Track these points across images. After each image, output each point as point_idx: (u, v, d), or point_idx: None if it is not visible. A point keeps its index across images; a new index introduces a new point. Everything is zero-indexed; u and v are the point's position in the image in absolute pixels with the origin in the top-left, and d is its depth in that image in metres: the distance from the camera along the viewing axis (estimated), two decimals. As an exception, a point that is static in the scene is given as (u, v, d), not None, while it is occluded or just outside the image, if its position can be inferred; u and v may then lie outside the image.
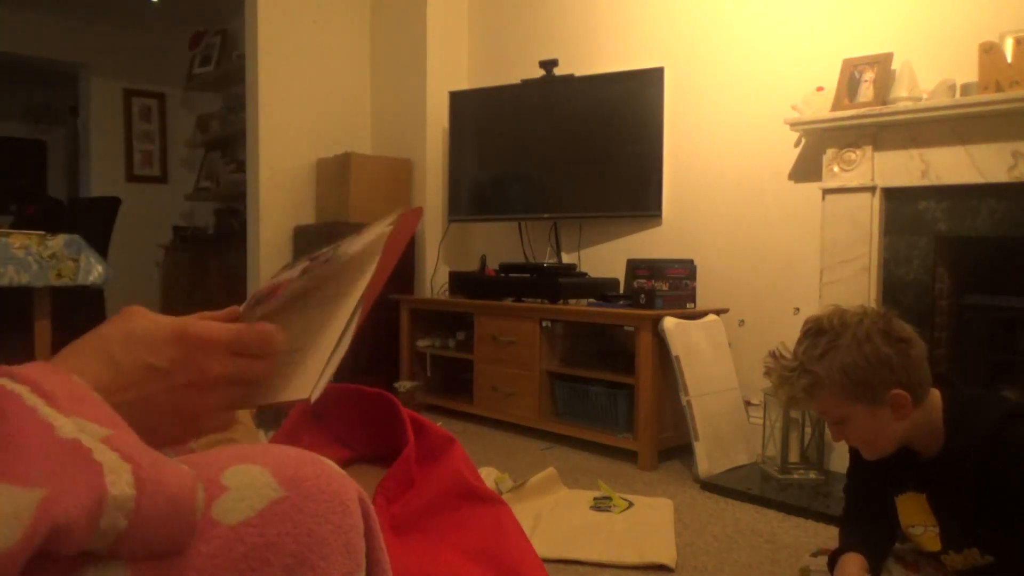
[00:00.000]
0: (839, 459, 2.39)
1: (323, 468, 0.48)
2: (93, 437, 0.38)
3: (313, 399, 0.51)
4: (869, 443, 1.27)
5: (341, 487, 0.47)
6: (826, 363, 1.20)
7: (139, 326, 0.50)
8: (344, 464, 1.80)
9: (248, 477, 0.45)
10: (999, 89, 2.03)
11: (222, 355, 0.51)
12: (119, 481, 0.37)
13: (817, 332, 1.24)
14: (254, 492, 0.44)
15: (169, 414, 0.49)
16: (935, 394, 1.25)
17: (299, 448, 0.51)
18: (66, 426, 0.38)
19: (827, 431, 2.33)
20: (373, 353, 3.58)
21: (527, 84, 3.31)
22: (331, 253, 0.60)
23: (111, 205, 4.22)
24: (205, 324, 0.51)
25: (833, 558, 1.35)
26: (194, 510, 0.41)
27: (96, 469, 0.36)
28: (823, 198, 2.46)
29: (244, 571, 0.42)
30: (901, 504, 1.33)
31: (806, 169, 2.59)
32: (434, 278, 3.72)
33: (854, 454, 1.43)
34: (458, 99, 3.54)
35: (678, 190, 2.97)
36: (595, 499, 2.16)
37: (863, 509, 1.41)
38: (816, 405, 1.26)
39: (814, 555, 1.51)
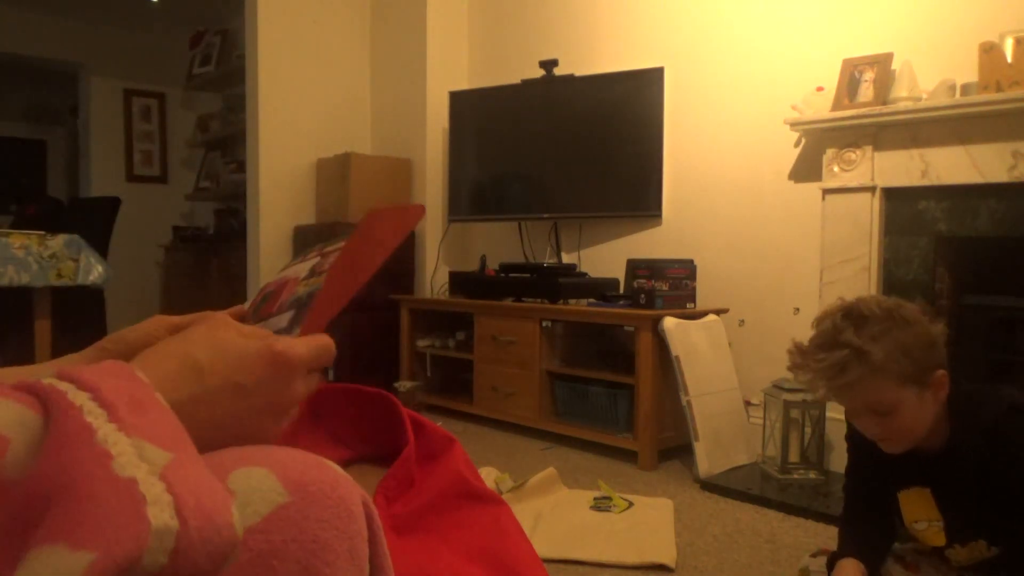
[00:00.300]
0: (839, 459, 2.39)
1: (328, 472, 0.47)
2: (154, 467, 0.35)
3: None
4: (911, 432, 1.21)
5: (346, 492, 0.47)
6: (882, 345, 1.15)
7: (229, 339, 0.48)
8: (344, 464, 1.80)
9: (254, 481, 0.44)
10: (999, 89, 2.03)
11: (304, 375, 0.50)
12: (161, 515, 0.35)
13: (860, 317, 1.18)
14: (260, 497, 0.43)
15: (239, 437, 0.47)
16: None
17: (302, 450, 0.50)
18: (124, 454, 0.35)
19: (828, 430, 2.34)
20: (373, 353, 3.58)
21: (527, 84, 3.31)
22: (342, 245, 0.60)
23: (111, 205, 4.22)
24: (290, 342, 0.49)
25: (832, 561, 1.35)
26: (234, 536, 0.39)
27: (142, 511, 0.34)
28: (823, 198, 2.46)
29: None
30: (904, 500, 1.32)
31: (806, 169, 2.59)
32: (434, 278, 3.72)
33: (853, 452, 1.42)
34: (458, 99, 3.54)
35: (678, 190, 2.97)
36: (595, 499, 2.16)
37: (863, 508, 1.40)
38: (867, 395, 1.19)
39: (814, 555, 1.51)
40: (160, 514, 0.34)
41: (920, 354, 1.16)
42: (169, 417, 0.39)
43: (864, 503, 1.40)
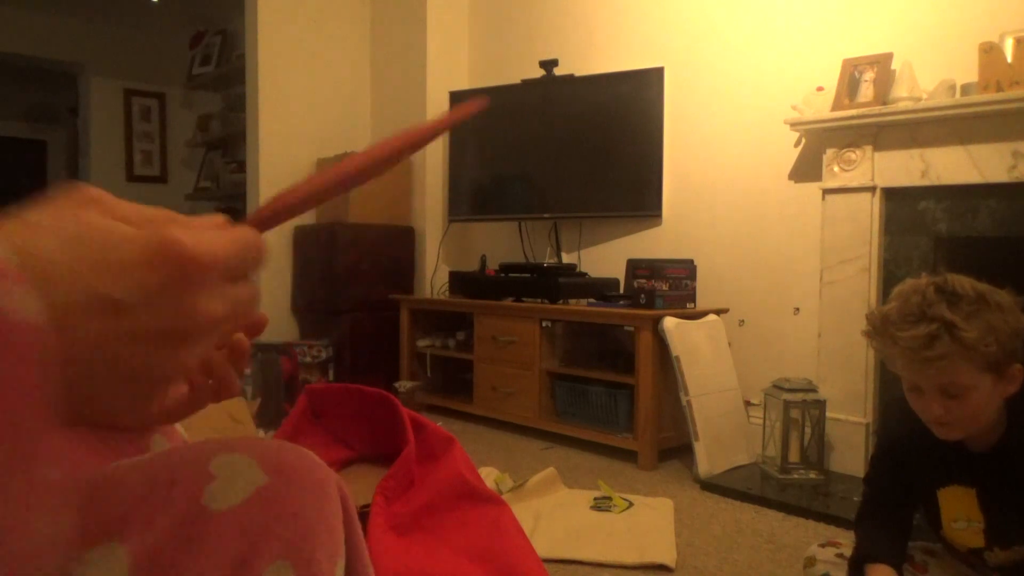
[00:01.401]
0: (839, 459, 2.39)
1: (304, 456, 0.49)
2: None
3: None
4: (972, 419, 1.18)
5: (322, 475, 0.48)
6: (975, 324, 1.12)
7: (95, 225, 0.32)
8: (344, 464, 1.81)
9: (235, 465, 0.45)
10: (999, 89, 2.03)
11: (219, 282, 0.35)
12: None
13: (953, 293, 1.15)
14: (241, 479, 0.44)
15: (118, 380, 0.34)
16: None
17: (279, 439, 0.52)
18: None
19: (828, 431, 2.33)
20: (373, 353, 3.58)
21: (527, 84, 3.31)
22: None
23: (111, 205, 4.21)
24: (195, 235, 0.33)
25: (856, 562, 1.30)
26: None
27: None
28: (823, 198, 2.46)
29: (235, 555, 0.43)
30: (944, 498, 1.28)
31: (806, 169, 2.59)
32: (434, 278, 3.72)
33: (887, 447, 1.36)
34: (458, 99, 3.54)
35: (678, 190, 2.97)
36: (595, 499, 2.16)
37: (887, 504, 1.35)
38: (948, 373, 1.15)
39: (822, 546, 1.48)
40: None
41: (1007, 341, 1.13)
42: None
43: (890, 501, 1.35)
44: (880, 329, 1.20)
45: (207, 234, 0.34)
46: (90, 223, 0.32)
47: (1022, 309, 1.17)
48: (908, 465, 1.31)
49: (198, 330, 0.34)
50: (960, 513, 1.27)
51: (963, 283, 1.16)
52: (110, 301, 0.31)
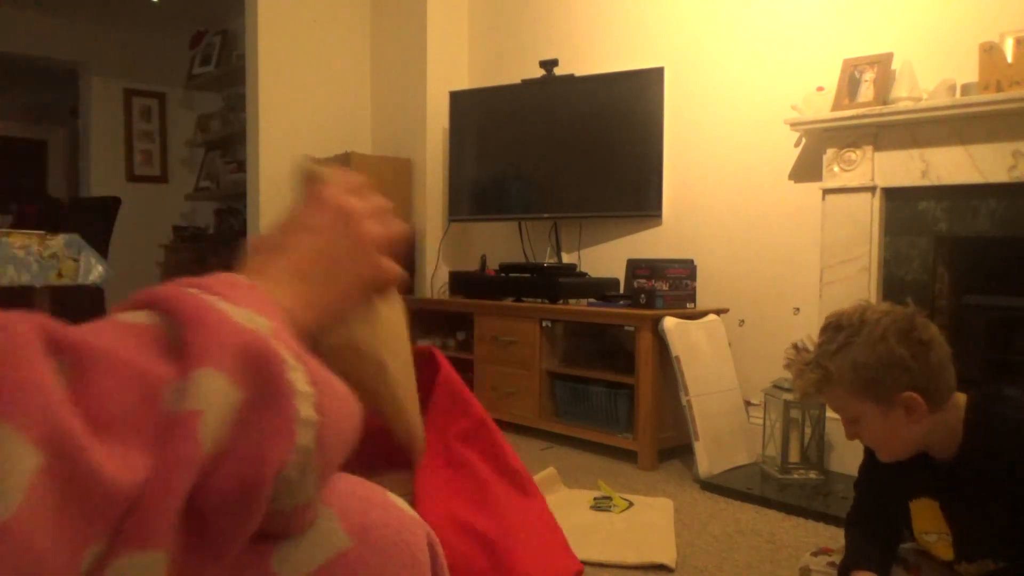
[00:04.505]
0: (839, 459, 2.39)
1: (393, 514, 0.44)
2: (266, 327, 0.38)
3: None
4: (882, 444, 1.24)
5: (411, 535, 0.44)
6: (839, 360, 1.18)
7: (278, 222, 0.54)
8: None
9: (315, 521, 0.40)
10: (999, 89, 2.03)
11: (368, 219, 0.55)
12: (305, 405, 0.36)
13: (836, 328, 1.22)
14: (320, 540, 0.40)
15: (349, 249, 0.53)
16: (959, 398, 1.21)
17: (368, 483, 0.46)
18: (237, 314, 0.38)
19: (828, 431, 2.33)
20: (373, 353, 3.58)
21: (527, 84, 3.31)
22: None
23: (111, 205, 4.22)
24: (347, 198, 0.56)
25: (844, 569, 1.31)
26: (355, 411, 0.41)
27: (284, 370, 0.36)
28: (823, 198, 2.46)
29: None
30: (915, 510, 1.29)
31: (806, 169, 2.59)
32: (434, 278, 3.72)
33: (868, 453, 1.39)
34: (458, 99, 3.54)
35: (678, 190, 2.97)
36: (595, 499, 2.16)
37: (876, 512, 1.36)
38: (828, 401, 1.26)
39: (814, 554, 1.49)
40: (303, 405, 0.36)
41: (875, 374, 1.16)
42: (264, 297, 0.43)
43: (876, 507, 1.37)
44: (789, 360, 1.30)
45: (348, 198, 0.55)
46: (276, 223, 0.55)
47: (921, 340, 1.18)
48: (884, 475, 1.32)
49: (372, 240, 0.54)
50: (929, 525, 1.27)
51: (850, 314, 1.22)
52: (315, 227, 0.52)
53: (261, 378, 0.35)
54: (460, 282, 3.37)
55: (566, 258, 3.32)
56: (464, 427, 1.55)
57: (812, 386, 1.22)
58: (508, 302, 3.08)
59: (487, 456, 1.54)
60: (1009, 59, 2.03)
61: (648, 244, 3.06)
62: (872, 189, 2.33)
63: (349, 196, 0.55)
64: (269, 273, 0.48)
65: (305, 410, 0.36)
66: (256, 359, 0.35)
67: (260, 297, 0.41)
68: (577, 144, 3.15)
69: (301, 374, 0.37)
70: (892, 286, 2.34)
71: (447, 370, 1.56)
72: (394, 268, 0.56)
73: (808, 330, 2.56)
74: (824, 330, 1.25)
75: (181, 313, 0.36)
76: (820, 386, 1.22)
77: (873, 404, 1.18)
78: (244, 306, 0.38)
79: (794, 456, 2.34)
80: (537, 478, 2.21)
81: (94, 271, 2.45)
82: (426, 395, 1.58)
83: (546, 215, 3.26)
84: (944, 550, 1.27)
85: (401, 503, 0.45)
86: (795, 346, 1.29)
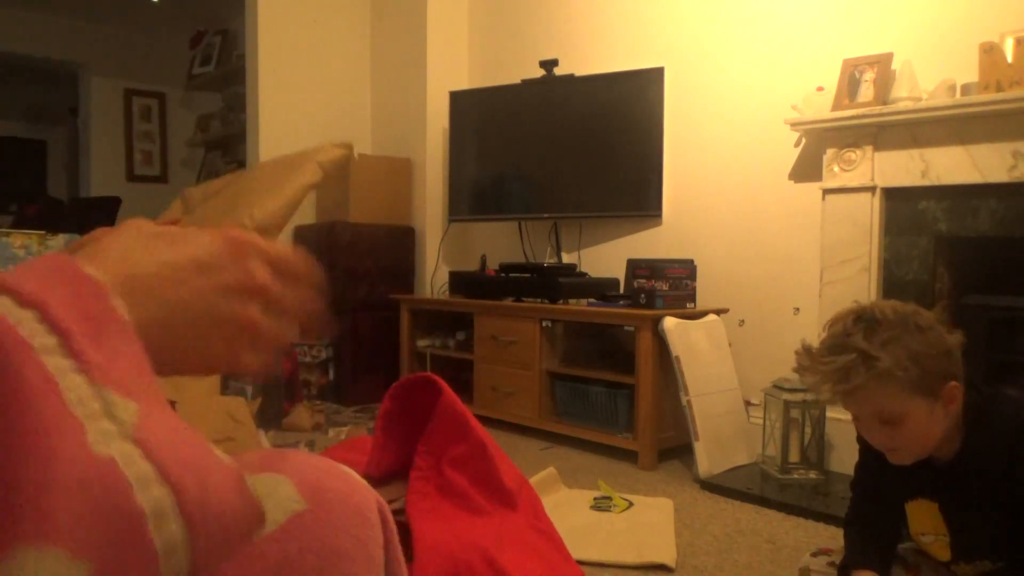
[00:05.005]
0: (839, 459, 2.39)
1: (344, 479, 0.47)
2: (125, 429, 0.30)
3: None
4: (919, 443, 1.17)
5: (362, 499, 0.47)
6: (891, 351, 1.11)
7: (172, 228, 0.44)
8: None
9: (271, 488, 0.43)
10: (999, 89, 2.03)
11: (266, 265, 0.46)
12: (165, 528, 0.30)
13: (871, 320, 1.14)
14: (277, 504, 0.43)
15: (213, 322, 0.43)
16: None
17: (319, 456, 0.50)
18: (93, 417, 0.29)
19: (828, 431, 2.33)
20: (373, 353, 3.59)
21: (527, 84, 3.31)
22: None
23: (111, 205, 4.22)
24: (244, 232, 0.47)
25: (843, 569, 1.30)
26: (253, 509, 0.36)
27: (141, 519, 0.29)
28: (823, 198, 2.46)
29: None
30: (911, 511, 1.28)
31: (806, 169, 2.59)
32: (434, 278, 3.72)
33: (864, 450, 1.37)
34: (458, 99, 3.54)
35: (678, 190, 2.97)
36: (595, 499, 2.16)
37: (873, 513, 1.35)
38: (873, 402, 1.14)
39: (814, 555, 1.49)
40: (163, 527, 0.30)
41: (931, 363, 1.11)
42: (132, 342, 0.34)
43: (874, 507, 1.35)
44: (806, 364, 1.20)
45: (254, 236, 0.47)
46: (168, 227, 0.44)
47: (950, 328, 1.16)
48: (881, 475, 1.31)
49: (256, 287, 0.45)
50: (926, 527, 1.26)
51: (884, 309, 1.16)
52: (202, 263, 0.43)
53: (116, 540, 0.28)
54: (460, 282, 3.37)
55: (566, 258, 3.32)
56: (461, 451, 1.55)
57: (869, 382, 1.11)
58: (508, 302, 3.08)
59: (476, 480, 1.55)
60: (1009, 59, 2.03)
61: (648, 244, 3.06)
62: (872, 189, 2.33)
63: (262, 265, 0.46)
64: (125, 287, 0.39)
65: (176, 561, 0.30)
66: (110, 514, 0.28)
67: (128, 350, 0.34)
68: (577, 144, 3.15)
69: (174, 517, 0.30)
70: (892, 286, 2.34)
71: (448, 395, 1.57)
72: (255, 367, 0.46)
73: (808, 330, 2.56)
74: (855, 325, 1.15)
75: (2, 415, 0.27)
76: (877, 381, 1.11)
77: (922, 398, 1.13)
78: (104, 381, 0.30)
79: (794, 456, 2.34)
80: (537, 478, 2.21)
81: (94, 271, 2.45)
82: (427, 419, 1.58)
83: (546, 215, 3.26)
84: (941, 551, 1.26)
85: (351, 471, 0.48)
86: (806, 349, 1.21)
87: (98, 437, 0.29)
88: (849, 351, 1.13)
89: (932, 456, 1.21)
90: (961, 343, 1.17)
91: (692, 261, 2.77)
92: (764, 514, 2.09)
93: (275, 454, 0.47)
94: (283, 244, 0.49)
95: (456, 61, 3.83)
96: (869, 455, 1.33)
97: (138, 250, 0.41)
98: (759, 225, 2.73)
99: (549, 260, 3.32)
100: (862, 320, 1.15)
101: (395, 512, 1.47)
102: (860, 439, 1.38)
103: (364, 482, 0.49)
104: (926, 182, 2.23)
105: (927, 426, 1.15)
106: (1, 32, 5.12)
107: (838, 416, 2.38)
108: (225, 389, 2.90)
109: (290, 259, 0.48)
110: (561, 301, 2.91)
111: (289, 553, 0.42)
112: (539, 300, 2.99)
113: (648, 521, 1.99)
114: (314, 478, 0.45)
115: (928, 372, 1.12)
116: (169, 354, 0.40)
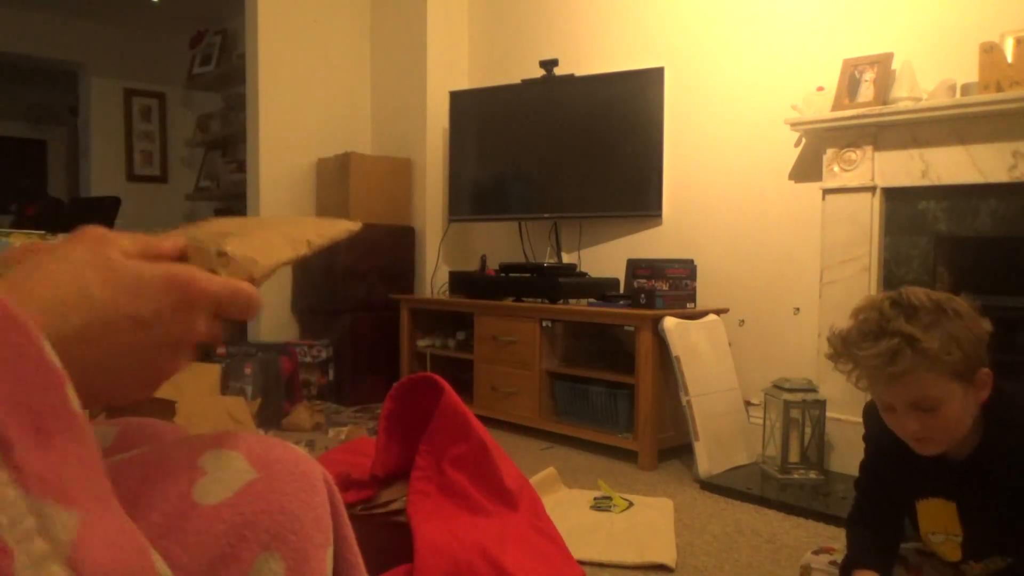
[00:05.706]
0: (839, 459, 2.39)
1: (291, 451, 0.51)
2: (60, 548, 0.29)
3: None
4: (950, 431, 1.15)
5: (308, 468, 0.51)
6: (935, 335, 1.10)
7: (121, 264, 0.41)
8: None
9: (224, 461, 0.48)
10: (999, 89, 2.03)
11: (211, 312, 0.45)
12: None
13: (909, 306, 1.13)
14: (230, 475, 0.47)
15: (137, 372, 0.42)
16: None
17: (266, 435, 0.54)
18: (25, 538, 0.28)
19: (828, 431, 2.33)
20: (373, 353, 3.58)
21: (527, 84, 3.31)
22: None
23: (111, 205, 4.22)
24: (201, 275, 0.44)
25: (846, 568, 1.30)
26: None
27: None
28: (823, 198, 2.46)
29: (224, 547, 0.45)
30: (923, 510, 1.27)
31: (806, 169, 2.59)
32: (434, 278, 3.72)
33: (872, 453, 1.36)
34: (458, 99, 3.54)
35: (678, 190, 2.97)
36: (595, 499, 2.16)
37: (878, 512, 1.34)
38: (917, 386, 1.12)
39: (816, 552, 1.49)
40: None
41: (970, 348, 1.11)
42: (76, 434, 0.32)
43: (879, 506, 1.34)
44: (841, 350, 1.18)
45: (207, 276, 0.45)
46: (117, 261, 0.41)
47: (979, 314, 1.16)
48: (890, 474, 1.29)
49: (191, 341, 0.44)
50: (938, 526, 1.25)
51: (919, 294, 1.15)
52: (138, 319, 0.41)
53: None
54: (460, 282, 3.37)
55: (566, 258, 3.32)
56: (461, 451, 1.56)
57: (906, 368, 1.10)
58: (508, 302, 3.08)
59: (477, 479, 1.55)
60: (1009, 59, 2.03)
61: (648, 244, 3.06)
62: (872, 189, 2.33)
63: (205, 314, 0.44)
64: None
65: None
66: None
67: (77, 449, 0.32)
68: (577, 144, 3.15)
69: None
70: (892, 286, 2.33)
71: (449, 395, 1.57)
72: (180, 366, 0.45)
73: (808, 330, 2.57)
74: (895, 310, 1.14)
75: None
76: (913, 369, 1.10)
77: (958, 384, 1.12)
78: (42, 493, 0.29)
79: (794, 456, 2.34)
80: (537, 478, 2.21)
81: (94, 271, 2.45)
82: (428, 419, 1.59)
83: (546, 215, 3.26)
84: (951, 551, 1.25)
85: (296, 447, 0.52)
86: (839, 335, 1.19)
87: (27, 562, 0.28)
88: (891, 335, 1.11)
89: (946, 453, 1.19)
90: (991, 331, 1.16)
91: (692, 261, 2.77)
92: (764, 514, 2.09)
93: (227, 433, 0.51)
94: (239, 284, 0.46)
95: (456, 61, 3.83)
96: (879, 455, 1.31)
97: (73, 294, 0.38)
98: (759, 225, 2.73)
99: (549, 260, 3.32)
100: (899, 305, 1.14)
101: (396, 512, 1.48)
102: (869, 439, 1.37)
103: (308, 455, 0.53)
104: (926, 182, 2.23)
105: (960, 413, 1.14)
106: (1, 32, 5.12)
107: (838, 416, 2.38)
108: (225, 389, 2.90)
109: (239, 293, 0.46)
110: (561, 301, 2.91)
111: (245, 515, 0.46)
112: (539, 300, 2.99)
113: (648, 521, 1.99)
114: (263, 450, 0.49)
115: (968, 357, 1.12)
116: (88, 392, 0.37)
